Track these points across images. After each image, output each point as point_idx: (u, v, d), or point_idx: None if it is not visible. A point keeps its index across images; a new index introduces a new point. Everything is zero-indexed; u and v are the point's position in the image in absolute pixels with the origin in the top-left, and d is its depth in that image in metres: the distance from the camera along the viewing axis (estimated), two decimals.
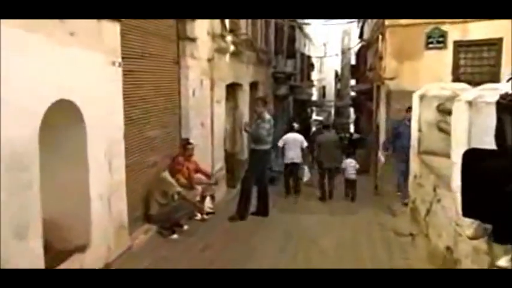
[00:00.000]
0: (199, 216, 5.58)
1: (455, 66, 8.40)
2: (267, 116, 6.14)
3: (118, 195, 4.32)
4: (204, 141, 7.23)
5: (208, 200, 6.98)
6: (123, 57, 4.48)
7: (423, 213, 5.34)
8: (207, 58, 7.25)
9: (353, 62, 26.48)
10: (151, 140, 5.41)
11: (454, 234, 3.79)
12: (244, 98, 10.20)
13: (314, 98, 34.66)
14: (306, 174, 9.82)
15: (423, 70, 8.68)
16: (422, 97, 5.69)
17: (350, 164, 10.06)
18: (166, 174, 5.13)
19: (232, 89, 9.73)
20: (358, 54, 21.51)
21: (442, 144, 5.60)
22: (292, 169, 9.52)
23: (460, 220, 3.58)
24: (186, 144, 6.08)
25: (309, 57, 27.78)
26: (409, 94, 9.11)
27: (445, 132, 5.42)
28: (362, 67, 18.17)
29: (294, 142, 9.31)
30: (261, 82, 12.77)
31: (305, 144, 9.35)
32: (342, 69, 38.75)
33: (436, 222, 4.61)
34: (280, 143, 9.47)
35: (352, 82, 25.74)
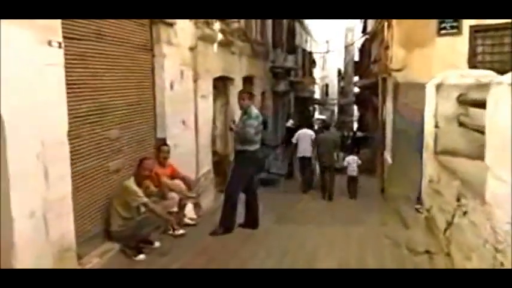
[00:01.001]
0: (173, 231, 4.64)
1: (472, 54, 7.45)
2: (254, 111, 5.23)
3: (60, 211, 3.42)
4: (186, 142, 6.33)
5: (190, 209, 6.10)
6: (68, 37, 3.60)
7: (442, 225, 4.42)
8: (189, 46, 6.36)
9: (356, 58, 25.59)
10: (113, 140, 4.51)
11: (491, 261, 2.87)
12: (236, 94, 9.27)
13: (317, 95, 33.80)
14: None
15: (435, 59, 7.73)
16: (439, 87, 4.75)
17: (352, 161, 10.31)
18: (129, 182, 4.23)
19: (223, 83, 8.85)
20: (362, 50, 20.59)
21: (464, 142, 4.68)
22: (304, 163, 10.29)
23: (501, 244, 2.68)
24: (160, 145, 5.19)
25: (310, 53, 26.86)
26: (419, 86, 8.19)
27: (468, 127, 4.51)
28: (366, 62, 17.23)
29: (304, 137, 10.19)
30: (258, 77, 11.88)
31: (313, 136, 10.15)
32: (345, 66, 37.95)
33: (461, 240, 3.69)
34: (294, 139, 10.44)
35: (356, 79, 24.78)
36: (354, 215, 7.72)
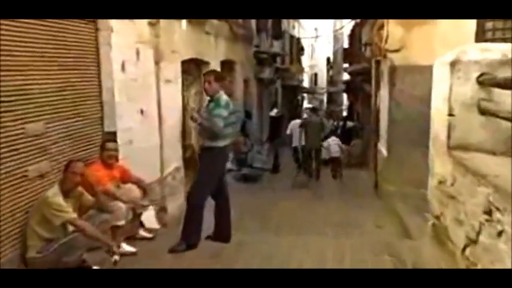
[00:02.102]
0: (112, 255, 3.55)
1: (481, 31, 6.50)
2: (224, 98, 4.20)
3: None
4: (146, 136, 5.29)
5: (151, 216, 5.10)
6: None
7: (459, 241, 3.49)
8: (148, 21, 5.28)
9: (346, 45, 24.60)
10: (35, 136, 3.46)
11: None
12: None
13: (305, 84, 32.90)
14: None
15: (437, 38, 6.77)
16: (454, 64, 3.75)
17: (333, 142, 11.00)
18: (51, 192, 3.19)
19: (197, 68, 7.79)
20: (351, 36, 19.57)
21: (486, 133, 3.72)
22: (297, 151, 10.74)
23: None
24: (104, 141, 4.15)
25: (298, 40, 25.78)
26: (419, 69, 7.26)
27: (492, 115, 3.55)
28: (356, 48, 16.20)
29: (297, 127, 10.62)
30: (239, 62, 10.82)
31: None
32: (334, 54, 37.06)
33: (493, 266, 2.77)
34: (288, 131, 11.13)
35: (346, 66, 23.83)
36: (345, 216, 6.77)
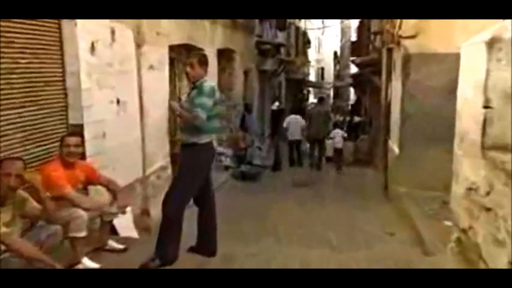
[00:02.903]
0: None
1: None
2: (208, 85, 3.48)
3: None
4: (124, 130, 4.61)
5: (128, 221, 4.43)
6: None
7: (497, 264, 2.78)
8: None
9: (353, 38, 23.78)
10: None
11: None
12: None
13: (312, 78, 32.12)
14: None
15: (458, 23, 6.01)
16: (493, 43, 3.02)
17: (337, 134, 11.44)
18: None
19: (189, 54, 7.08)
20: (360, 27, 18.80)
21: None
22: (294, 145, 11.15)
23: None
24: (63, 136, 3.45)
25: (304, 32, 24.95)
26: (437, 58, 6.53)
27: None
28: (365, 38, 15.41)
29: (295, 122, 10.89)
30: (239, 52, 10.09)
31: (303, 123, 10.84)
32: (341, 48, 36.28)
33: None
34: (284, 124, 11.05)
35: (353, 59, 23.02)
36: (351, 221, 6.06)
